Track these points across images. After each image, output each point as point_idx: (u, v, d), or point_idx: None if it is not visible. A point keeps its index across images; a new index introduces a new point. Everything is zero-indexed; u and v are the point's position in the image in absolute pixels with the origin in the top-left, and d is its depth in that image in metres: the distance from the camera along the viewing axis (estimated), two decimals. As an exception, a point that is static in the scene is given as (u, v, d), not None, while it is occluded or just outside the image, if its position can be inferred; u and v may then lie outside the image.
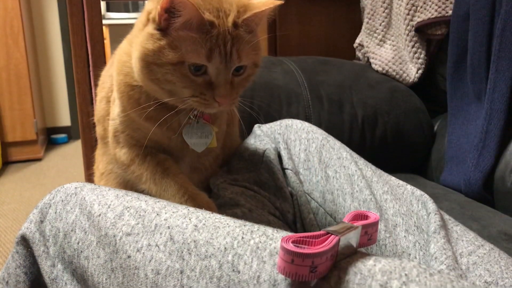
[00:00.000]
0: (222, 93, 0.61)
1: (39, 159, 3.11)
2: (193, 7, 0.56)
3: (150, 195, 0.60)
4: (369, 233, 0.42)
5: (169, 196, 0.68)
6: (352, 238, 0.40)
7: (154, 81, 0.62)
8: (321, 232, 0.39)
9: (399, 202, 0.68)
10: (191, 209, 0.51)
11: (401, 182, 0.74)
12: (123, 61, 0.69)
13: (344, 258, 0.39)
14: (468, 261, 0.58)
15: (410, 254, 0.61)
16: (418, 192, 0.69)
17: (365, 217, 0.44)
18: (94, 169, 0.90)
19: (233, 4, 0.61)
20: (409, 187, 0.72)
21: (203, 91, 0.61)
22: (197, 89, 0.61)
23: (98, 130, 0.85)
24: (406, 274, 0.35)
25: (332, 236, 0.38)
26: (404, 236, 0.63)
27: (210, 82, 0.61)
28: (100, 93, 0.82)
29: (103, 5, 3.95)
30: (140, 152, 0.72)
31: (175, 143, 0.72)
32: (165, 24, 0.60)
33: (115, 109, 0.74)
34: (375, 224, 0.43)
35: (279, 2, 0.61)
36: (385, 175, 0.76)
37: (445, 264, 0.55)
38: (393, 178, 0.75)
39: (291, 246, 0.35)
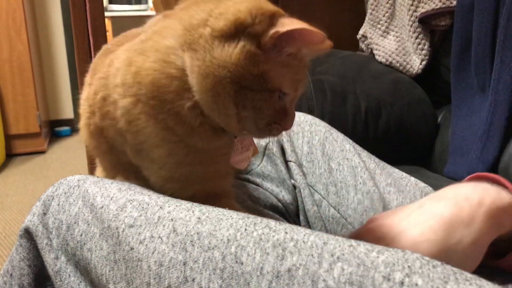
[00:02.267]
0: (291, 122, 0.56)
1: (42, 152, 3.12)
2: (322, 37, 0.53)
3: None
4: None
5: None
6: None
7: (236, 107, 0.53)
8: None
9: (403, 194, 0.68)
10: (195, 203, 0.51)
11: (404, 174, 0.74)
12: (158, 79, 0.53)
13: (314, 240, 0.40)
14: None
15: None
16: (421, 184, 0.69)
17: None
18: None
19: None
20: (412, 179, 0.72)
21: (278, 119, 0.55)
22: (273, 117, 0.54)
23: None
24: (409, 266, 0.35)
25: None
26: (408, 228, 0.63)
27: (285, 109, 0.55)
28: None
29: (105, -3, 3.94)
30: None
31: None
32: (272, 44, 0.52)
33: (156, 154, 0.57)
34: None
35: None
36: (389, 167, 0.76)
37: None
38: (396, 170, 0.75)
39: None
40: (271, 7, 0.53)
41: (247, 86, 0.51)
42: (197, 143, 0.55)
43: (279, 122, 0.55)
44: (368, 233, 0.56)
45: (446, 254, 0.48)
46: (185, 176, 0.57)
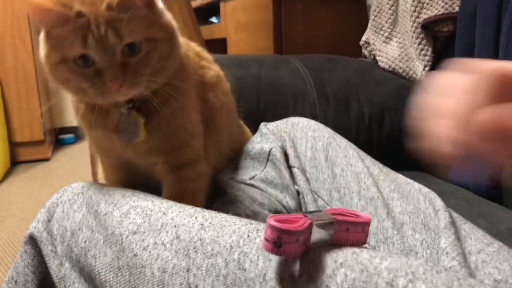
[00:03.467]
0: (110, 77, 0.57)
1: (47, 159, 3.13)
2: (48, 11, 0.55)
3: None
4: (351, 231, 0.42)
5: None
6: (327, 228, 0.40)
7: (60, 84, 0.61)
8: (299, 214, 0.39)
9: (406, 200, 0.68)
10: (198, 208, 0.51)
11: (408, 179, 0.73)
12: None
13: (317, 248, 0.39)
14: (477, 259, 0.57)
15: (417, 253, 0.61)
16: (425, 189, 0.69)
17: (356, 216, 0.43)
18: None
19: None
20: (416, 184, 0.71)
21: (95, 80, 0.58)
22: (90, 81, 0.58)
23: None
24: (412, 272, 0.35)
25: (306, 218, 0.38)
26: (411, 234, 0.63)
27: (99, 70, 0.58)
28: None
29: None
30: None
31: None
32: (46, 27, 0.58)
33: None
34: (361, 224, 0.42)
35: None
36: (392, 173, 0.76)
37: (456, 261, 0.55)
38: (400, 175, 0.75)
39: (271, 221, 0.36)
40: None
41: (49, 64, 0.60)
42: None
43: (96, 81, 0.58)
44: None
45: None
46: None
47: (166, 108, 0.64)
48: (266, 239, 0.36)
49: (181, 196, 0.66)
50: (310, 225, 0.38)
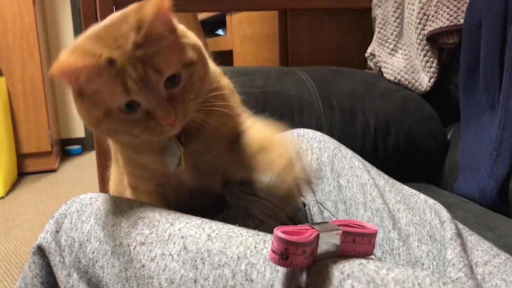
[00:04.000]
0: (161, 116, 0.54)
1: (54, 170, 3.14)
2: (79, 69, 0.52)
3: None
4: (358, 242, 0.42)
5: None
6: (333, 239, 0.40)
7: (110, 136, 0.61)
8: (305, 226, 0.39)
9: (412, 212, 0.68)
10: (205, 220, 0.51)
11: (414, 191, 0.73)
12: None
13: (324, 259, 0.39)
14: (483, 271, 0.57)
15: (423, 264, 0.61)
16: (431, 201, 0.69)
17: (362, 227, 0.43)
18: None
19: (132, 20, 0.54)
20: (422, 196, 0.71)
21: (147, 123, 0.56)
22: (141, 125, 0.56)
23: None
24: (419, 283, 0.35)
25: (312, 229, 0.38)
26: (417, 246, 0.63)
27: (147, 111, 0.55)
28: None
29: (116, 18, 3.99)
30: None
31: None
32: (75, 85, 0.56)
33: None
34: (368, 236, 0.42)
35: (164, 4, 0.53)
36: (398, 184, 0.76)
37: (463, 272, 0.54)
38: (406, 187, 0.75)
39: (278, 232, 0.37)
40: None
41: (92, 122, 0.57)
42: None
43: (149, 123, 0.56)
44: None
45: None
46: None
47: (211, 119, 0.63)
48: (273, 251, 0.36)
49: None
50: (317, 237, 0.39)
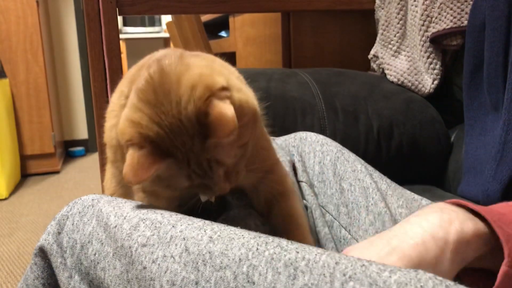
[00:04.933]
0: (219, 190, 0.57)
1: (57, 172, 3.15)
2: (150, 171, 0.52)
3: None
4: None
5: None
6: None
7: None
8: None
9: (415, 215, 0.68)
10: (207, 221, 0.51)
11: (416, 196, 0.73)
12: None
13: (326, 260, 0.40)
14: None
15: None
16: (433, 205, 0.68)
17: None
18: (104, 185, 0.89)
19: (194, 122, 0.52)
20: (424, 201, 0.71)
21: (202, 189, 0.58)
22: (196, 188, 0.58)
23: (108, 153, 0.85)
24: (422, 286, 0.35)
25: None
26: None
27: (206, 185, 0.57)
28: (110, 120, 0.72)
29: (119, 19, 4.03)
30: None
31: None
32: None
33: None
34: None
35: (232, 128, 0.51)
36: (400, 189, 0.75)
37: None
38: (408, 191, 0.75)
39: None
40: (130, 130, 0.54)
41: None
42: None
43: (206, 192, 0.59)
44: None
45: None
46: None
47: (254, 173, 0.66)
48: None
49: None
50: None
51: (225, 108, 0.50)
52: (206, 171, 0.54)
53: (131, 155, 0.52)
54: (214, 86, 0.52)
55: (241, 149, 0.57)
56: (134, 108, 0.54)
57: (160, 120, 0.52)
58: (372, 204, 0.71)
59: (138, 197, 0.69)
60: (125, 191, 0.76)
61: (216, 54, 0.70)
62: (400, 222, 0.57)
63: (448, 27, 1.22)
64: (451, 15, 1.22)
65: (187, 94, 0.52)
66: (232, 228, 0.48)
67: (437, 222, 0.52)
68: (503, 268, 0.48)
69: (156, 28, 4.77)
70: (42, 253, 0.58)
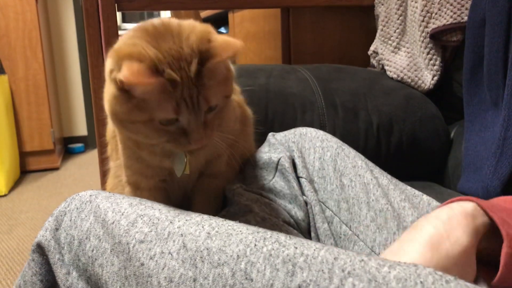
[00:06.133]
0: (196, 138, 0.59)
1: (56, 168, 3.15)
2: (150, 85, 0.55)
3: None
4: None
5: None
6: None
7: (128, 131, 0.63)
8: None
9: (417, 211, 0.68)
10: (205, 216, 0.51)
11: (417, 192, 0.73)
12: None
13: (324, 256, 0.40)
14: None
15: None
16: (434, 203, 0.68)
17: None
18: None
19: (194, 48, 0.58)
20: (425, 197, 0.71)
21: (177, 137, 0.60)
22: (171, 136, 0.60)
23: (109, 150, 0.86)
24: (421, 282, 0.35)
25: None
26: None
27: (183, 128, 0.60)
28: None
29: (118, 15, 4.01)
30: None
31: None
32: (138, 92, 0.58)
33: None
34: None
35: (239, 46, 0.59)
36: (401, 184, 0.75)
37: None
38: (408, 187, 0.74)
39: None
40: (129, 49, 0.57)
41: (123, 120, 0.61)
42: None
43: (179, 139, 0.60)
44: None
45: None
46: None
47: (228, 150, 0.73)
48: None
49: None
50: None
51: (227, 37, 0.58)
52: (194, 104, 0.57)
53: (129, 64, 0.54)
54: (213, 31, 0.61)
55: (223, 101, 0.62)
56: (134, 37, 0.59)
57: (159, 47, 0.57)
58: (373, 200, 0.71)
59: (127, 190, 0.75)
60: (119, 180, 0.77)
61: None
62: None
63: (448, 23, 1.22)
64: (451, 11, 1.21)
65: (189, 29, 0.59)
66: (231, 222, 0.48)
67: (445, 212, 0.54)
68: (504, 250, 0.48)
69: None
70: (40, 249, 0.58)
